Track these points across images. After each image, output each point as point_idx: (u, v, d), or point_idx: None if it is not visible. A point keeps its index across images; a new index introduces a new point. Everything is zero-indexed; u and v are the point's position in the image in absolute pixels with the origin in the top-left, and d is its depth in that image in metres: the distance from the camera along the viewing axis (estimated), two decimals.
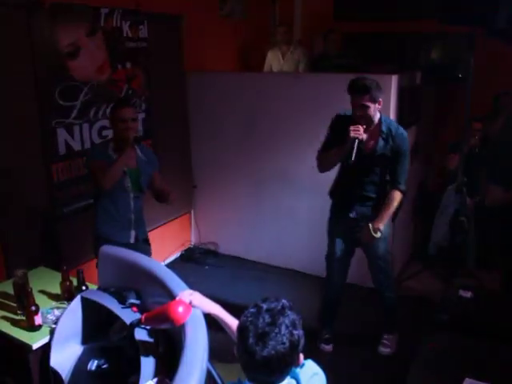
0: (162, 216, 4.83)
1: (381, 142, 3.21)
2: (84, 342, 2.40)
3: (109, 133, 4.05)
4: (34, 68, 3.45)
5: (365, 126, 3.10)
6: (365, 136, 3.11)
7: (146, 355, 1.93)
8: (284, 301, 1.54)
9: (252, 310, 1.50)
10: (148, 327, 2.05)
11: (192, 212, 5.23)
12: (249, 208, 4.85)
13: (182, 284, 2.05)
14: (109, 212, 3.16)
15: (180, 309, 1.80)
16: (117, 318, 2.38)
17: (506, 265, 4.00)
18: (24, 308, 2.43)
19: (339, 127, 3.23)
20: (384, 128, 3.22)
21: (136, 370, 2.09)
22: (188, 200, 5.17)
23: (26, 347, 2.30)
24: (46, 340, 2.33)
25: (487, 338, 2.98)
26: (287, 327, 1.45)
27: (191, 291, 1.96)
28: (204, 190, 5.09)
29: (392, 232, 4.44)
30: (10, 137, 3.34)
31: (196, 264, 4.90)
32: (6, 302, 2.64)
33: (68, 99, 3.72)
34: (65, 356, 2.29)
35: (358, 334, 3.86)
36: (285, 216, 4.68)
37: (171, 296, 1.97)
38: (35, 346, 2.30)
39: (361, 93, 3.10)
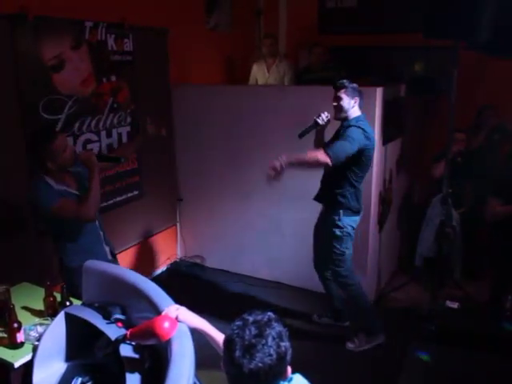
0: (147, 229, 4.80)
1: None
2: (68, 359, 2.34)
3: (93, 146, 4.04)
4: (17, 81, 3.42)
5: (329, 115, 3.53)
6: (322, 122, 3.53)
7: (132, 371, 1.89)
8: (270, 313, 1.54)
9: (238, 322, 1.50)
10: (133, 343, 2.01)
11: (178, 225, 5.19)
12: (235, 221, 4.83)
13: (168, 299, 2.02)
14: (79, 240, 2.96)
15: (166, 324, 1.77)
16: (102, 334, 2.35)
17: (498, 276, 4.00)
18: (5, 325, 2.38)
19: None
20: (346, 123, 3.49)
21: None
22: (173, 213, 5.14)
23: (8, 365, 2.24)
24: (28, 357, 2.28)
25: (474, 349, 2.98)
26: (274, 339, 1.45)
27: (177, 306, 1.94)
28: (190, 203, 5.06)
29: (379, 243, 4.48)
30: None
31: (183, 278, 4.85)
32: None
33: (52, 112, 3.69)
34: (48, 374, 2.23)
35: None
36: (271, 229, 4.66)
37: (157, 311, 1.94)
38: (17, 364, 2.24)
39: (338, 87, 3.51)
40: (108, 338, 2.31)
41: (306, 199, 4.37)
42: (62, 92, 3.76)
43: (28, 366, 2.26)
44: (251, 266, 4.82)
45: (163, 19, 4.61)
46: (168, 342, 1.78)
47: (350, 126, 3.44)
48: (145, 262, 4.75)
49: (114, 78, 4.23)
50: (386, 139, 4.31)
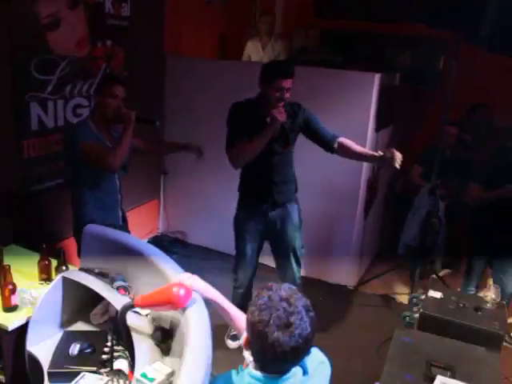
0: (129, 200, 4.67)
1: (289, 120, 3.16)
2: (63, 325, 2.28)
3: (83, 111, 3.92)
4: (10, 37, 3.27)
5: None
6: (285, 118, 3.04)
7: (140, 340, 1.84)
8: (287, 284, 1.50)
9: (263, 300, 1.44)
10: (138, 311, 1.97)
11: (161, 199, 5.12)
12: (220, 198, 4.77)
13: (178, 267, 1.98)
14: (96, 195, 2.99)
15: (181, 292, 1.72)
16: (99, 300, 2.30)
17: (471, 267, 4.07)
18: None
19: (243, 116, 3.14)
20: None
21: (122, 355, 2.02)
22: (157, 186, 5.06)
23: (1, 328, 2.17)
24: (22, 321, 2.20)
25: (458, 337, 3.01)
26: (306, 312, 1.43)
27: (190, 274, 1.89)
28: (175, 177, 4.98)
29: (363, 230, 4.51)
30: None
31: (163, 253, 4.78)
32: None
33: (44, 73, 3.56)
34: (42, 339, 2.18)
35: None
36: None
37: (166, 279, 1.89)
38: (11, 328, 2.17)
39: (290, 76, 3.05)
40: (105, 306, 2.28)
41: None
42: (56, 52, 3.63)
43: (21, 330, 2.18)
44: (233, 245, 4.78)
45: None
46: (182, 311, 1.74)
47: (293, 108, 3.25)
48: None
49: (109, 43, 4.11)
50: (379, 126, 4.32)
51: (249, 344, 1.51)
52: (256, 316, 1.42)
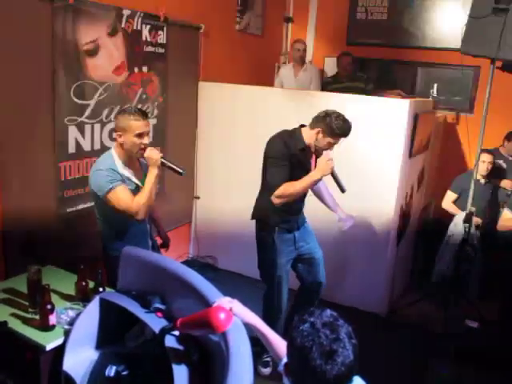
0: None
1: None
2: (99, 346, 2.29)
3: None
4: (53, 61, 3.37)
5: None
6: None
7: (178, 363, 1.83)
8: (329, 310, 1.47)
9: (304, 326, 1.40)
10: (177, 334, 1.96)
11: (192, 223, 5.14)
12: (250, 224, 4.76)
13: (217, 291, 1.97)
14: (125, 229, 2.85)
15: (222, 315, 1.71)
16: (134, 323, 2.29)
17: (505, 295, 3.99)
18: (37, 306, 2.31)
19: (287, 153, 3.14)
20: None
21: (160, 378, 2.01)
22: (189, 211, 5.09)
23: (39, 348, 2.18)
24: (60, 341, 2.21)
25: (497, 369, 2.94)
26: (349, 339, 1.39)
27: (230, 298, 1.88)
28: (206, 202, 5.01)
29: (395, 257, 4.45)
30: (23, 132, 3.24)
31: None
32: (15, 299, 2.51)
33: (82, 97, 3.65)
34: (79, 360, 2.17)
35: None
36: None
37: (205, 302, 1.89)
38: (49, 347, 2.18)
39: (346, 136, 3.14)
40: (140, 328, 2.28)
41: (324, 208, 4.38)
42: (94, 78, 3.72)
43: (58, 350, 2.19)
44: None
45: (197, 15, 4.60)
46: (223, 335, 1.73)
47: None
48: None
49: (145, 69, 4.19)
50: (412, 152, 4.29)
51: (290, 371, 1.48)
52: (298, 343, 1.39)
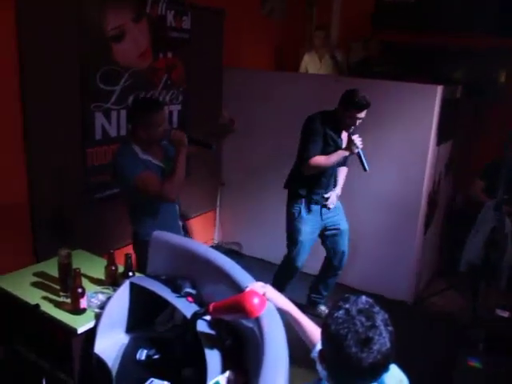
0: (187, 211, 4.73)
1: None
2: (129, 330, 2.29)
3: None
4: (78, 47, 3.36)
5: None
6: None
7: (211, 348, 1.82)
8: (364, 297, 1.42)
9: (339, 313, 1.36)
10: (209, 319, 1.95)
11: (217, 210, 5.14)
12: (276, 209, 4.72)
13: (249, 276, 1.95)
14: (156, 213, 2.86)
15: (255, 300, 1.69)
16: (164, 307, 2.29)
17: None
18: (68, 290, 2.32)
19: (320, 129, 3.50)
20: None
21: (190, 362, 2.00)
22: (214, 197, 5.09)
23: (71, 331, 2.18)
24: (91, 325, 2.22)
25: None
26: (385, 326, 1.35)
27: (262, 283, 1.86)
28: (231, 188, 4.99)
29: (422, 246, 4.39)
30: (50, 117, 3.24)
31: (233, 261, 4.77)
32: (47, 282, 2.52)
33: (108, 83, 3.64)
34: (109, 343, 2.18)
35: None
36: None
37: (237, 287, 1.87)
38: (80, 330, 2.18)
39: (365, 108, 3.36)
40: (170, 313, 2.27)
41: (350, 191, 4.33)
42: (120, 63, 3.71)
43: (89, 333, 2.20)
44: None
45: (221, 0, 4.54)
46: (256, 320, 1.71)
47: None
48: None
49: (170, 55, 4.18)
50: (440, 140, 4.21)
51: (324, 358, 1.45)
52: (333, 330, 1.35)
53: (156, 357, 2.10)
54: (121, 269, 2.54)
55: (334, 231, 3.84)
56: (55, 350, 2.32)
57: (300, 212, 3.70)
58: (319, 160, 3.44)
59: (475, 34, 4.70)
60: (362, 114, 3.37)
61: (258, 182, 4.81)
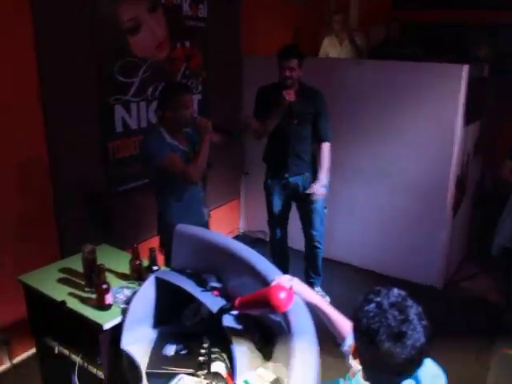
0: (211, 201, 4.69)
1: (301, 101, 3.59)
2: (156, 325, 2.27)
3: None
4: (94, 41, 3.32)
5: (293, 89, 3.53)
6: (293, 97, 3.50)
7: (238, 344, 1.78)
8: (396, 289, 1.36)
9: (370, 307, 1.31)
10: (235, 313, 1.91)
11: (242, 199, 5.10)
12: None
13: (275, 269, 1.90)
14: (181, 198, 2.99)
15: (282, 294, 1.63)
16: (190, 301, 2.26)
17: None
18: (93, 285, 2.31)
19: (264, 97, 3.71)
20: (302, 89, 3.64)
21: (218, 358, 1.97)
22: (238, 186, 5.06)
23: (97, 327, 2.16)
24: (117, 320, 2.19)
25: None
26: (419, 320, 1.29)
27: (289, 276, 1.80)
28: (255, 177, 4.92)
29: (451, 230, 4.28)
30: (70, 111, 3.22)
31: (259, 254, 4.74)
32: (72, 278, 2.51)
33: (127, 76, 3.61)
34: (136, 338, 2.15)
35: None
36: (338, 207, 4.50)
37: (263, 281, 1.82)
38: (106, 326, 2.16)
39: (291, 56, 3.50)
40: (197, 307, 2.24)
41: (376, 175, 4.25)
42: (138, 55, 3.67)
43: (115, 329, 2.18)
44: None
45: None
46: (283, 315, 1.66)
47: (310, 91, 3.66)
48: None
49: (187, 44, 4.12)
50: (468, 120, 4.09)
51: (357, 353, 1.40)
52: (364, 324, 1.30)
53: (183, 352, 2.07)
54: (146, 263, 2.52)
55: (304, 207, 3.91)
56: (84, 345, 2.31)
57: (267, 182, 3.90)
58: (259, 123, 3.58)
59: (501, 10, 4.53)
60: (293, 63, 3.49)
61: None
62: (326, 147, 3.73)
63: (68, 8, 3.11)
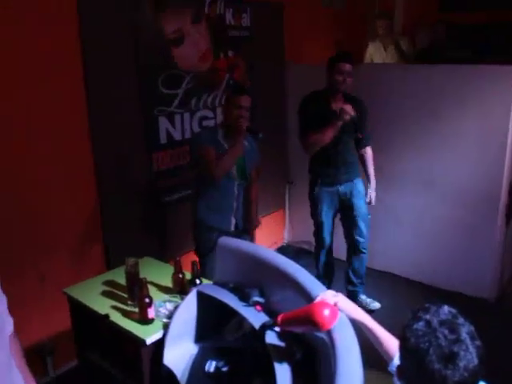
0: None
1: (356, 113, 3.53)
2: (198, 340, 2.24)
3: (209, 123, 3.96)
4: (139, 54, 3.36)
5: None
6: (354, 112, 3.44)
7: (280, 361, 1.73)
8: (446, 307, 1.28)
9: (419, 325, 1.23)
10: (277, 330, 1.86)
11: (286, 208, 5.06)
12: None
13: (320, 284, 1.84)
14: (212, 198, 3.11)
15: (326, 312, 1.58)
16: (232, 316, 2.23)
17: None
18: (136, 299, 2.31)
19: (312, 108, 3.63)
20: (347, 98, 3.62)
21: (259, 374, 1.92)
22: (282, 196, 5.01)
23: (139, 341, 2.16)
24: (159, 335, 2.18)
25: None
26: (472, 340, 1.20)
27: (334, 292, 1.74)
28: (300, 187, 4.86)
29: (505, 238, 4.10)
30: (115, 124, 3.27)
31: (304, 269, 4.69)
32: (116, 291, 2.53)
33: (170, 87, 3.64)
34: (178, 354, 2.14)
35: None
36: (386, 216, 4.40)
37: (307, 296, 1.76)
38: (149, 341, 2.16)
39: (347, 60, 3.49)
40: (239, 321, 2.20)
41: (425, 182, 4.12)
42: (181, 67, 3.69)
43: (158, 344, 2.17)
44: None
45: None
46: (328, 333, 1.60)
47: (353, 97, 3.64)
48: None
49: (231, 54, 4.12)
50: None
51: (403, 374, 1.32)
52: (412, 344, 1.22)
53: (225, 369, 2.03)
54: (188, 275, 2.50)
55: (350, 215, 3.86)
56: (126, 360, 2.31)
57: (316, 193, 3.81)
58: (314, 136, 3.53)
59: None
60: (347, 67, 3.46)
61: None
62: (370, 151, 3.81)
63: (113, 21, 3.16)
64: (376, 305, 3.96)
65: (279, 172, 4.88)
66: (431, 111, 4.05)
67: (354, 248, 3.96)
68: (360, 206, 3.82)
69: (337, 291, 1.76)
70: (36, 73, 2.79)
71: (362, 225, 3.85)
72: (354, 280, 4.02)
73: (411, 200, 4.29)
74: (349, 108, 3.41)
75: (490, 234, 4.00)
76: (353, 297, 4.01)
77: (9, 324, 1.55)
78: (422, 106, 4.09)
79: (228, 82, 4.12)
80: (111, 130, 3.25)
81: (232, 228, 3.20)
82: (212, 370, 2.04)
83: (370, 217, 3.90)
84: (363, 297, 4.03)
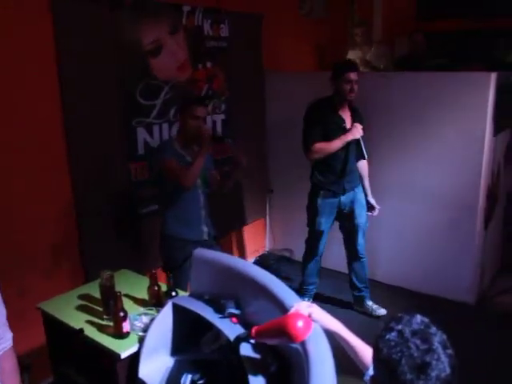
0: (236, 221, 4.67)
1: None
2: (174, 353, 2.22)
3: None
4: (116, 65, 3.35)
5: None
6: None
7: (254, 374, 1.71)
8: (419, 316, 1.28)
9: (391, 335, 1.23)
10: (252, 341, 1.84)
11: (267, 216, 5.06)
12: None
13: (294, 294, 1.83)
14: (179, 210, 3.08)
15: (300, 323, 1.57)
16: (209, 328, 2.21)
17: None
18: (111, 313, 2.28)
19: (320, 117, 3.65)
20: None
21: None
22: (263, 205, 5.01)
23: (114, 355, 2.14)
24: (134, 349, 2.16)
25: None
26: (443, 349, 1.20)
27: (308, 303, 1.73)
28: (280, 195, 4.89)
29: (484, 242, 4.14)
30: (92, 135, 3.25)
31: (270, 271, 4.68)
32: (91, 305, 2.50)
33: (149, 98, 3.63)
34: (154, 367, 2.12)
35: None
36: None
37: (281, 307, 1.75)
38: (123, 355, 2.13)
39: (355, 68, 3.57)
40: (216, 333, 2.18)
41: (404, 187, 4.14)
42: (159, 77, 3.69)
43: (134, 358, 2.14)
44: (342, 261, 4.58)
45: (258, 4, 4.47)
46: (301, 344, 1.59)
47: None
48: (233, 254, 4.62)
49: (209, 65, 4.13)
50: (497, 129, 3.97)
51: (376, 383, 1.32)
52: (384, 354, 1.22)
53: (200, 382, 2.01)
54: (165, 288, 2.48)
55: (349, 223, 3.90)
56: (102, 374, 2.28)
57: (318, 204, 3.81)
58: (321, 145, 3.58)
59: None
60: (355, 76, 3.50)
61: (304, 188, 4.67)
62: (366, 162, 3.87)
63: (90, 32, 3.15)
64: (382, 311, 3.95)
65: (260, 181, 4.88)
66: (409, 118, 4.09)
67: (353, 255, 4.00)
68: (361, 215, 3.87)
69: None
70: (8, 83, 2.77)
71: (361, 233, 3.90)
72: (358, 285, 4.03)
73: (389, 205, 4.30)
74: (359, 127, 3.53)
75: (469, 239, 4.05)
76: (360, 302, 4.05)
77: (4, 340, 1.52)
78: (400, 114, 4.13)
79: (207, 92, 4.12)
80: (88, 141, 3.23)
81: (205, 237, 3.17)
82: (188, 383, 2.02)
83: (368, 225, 3.95)
84: (370, 303, 4.03)
